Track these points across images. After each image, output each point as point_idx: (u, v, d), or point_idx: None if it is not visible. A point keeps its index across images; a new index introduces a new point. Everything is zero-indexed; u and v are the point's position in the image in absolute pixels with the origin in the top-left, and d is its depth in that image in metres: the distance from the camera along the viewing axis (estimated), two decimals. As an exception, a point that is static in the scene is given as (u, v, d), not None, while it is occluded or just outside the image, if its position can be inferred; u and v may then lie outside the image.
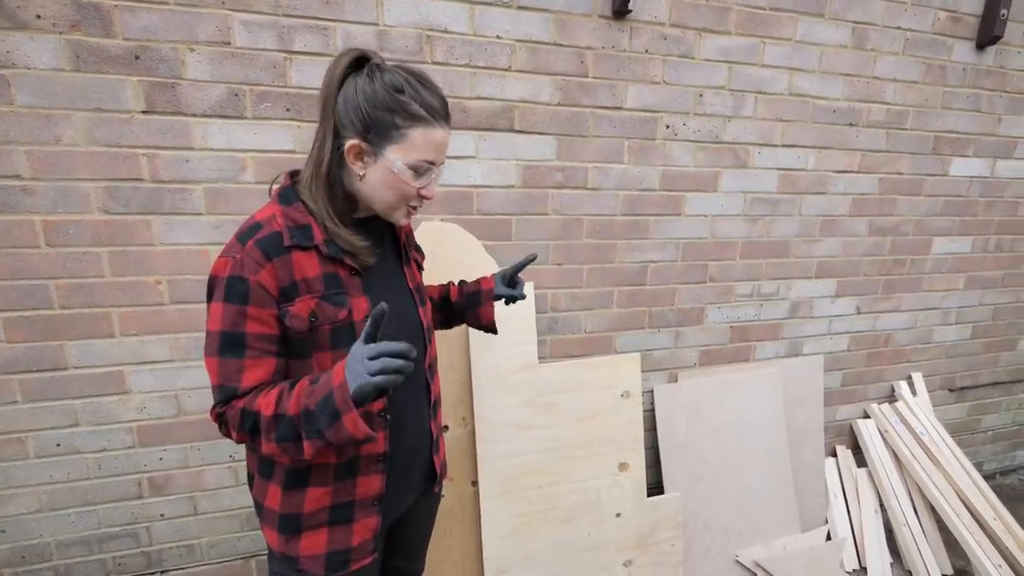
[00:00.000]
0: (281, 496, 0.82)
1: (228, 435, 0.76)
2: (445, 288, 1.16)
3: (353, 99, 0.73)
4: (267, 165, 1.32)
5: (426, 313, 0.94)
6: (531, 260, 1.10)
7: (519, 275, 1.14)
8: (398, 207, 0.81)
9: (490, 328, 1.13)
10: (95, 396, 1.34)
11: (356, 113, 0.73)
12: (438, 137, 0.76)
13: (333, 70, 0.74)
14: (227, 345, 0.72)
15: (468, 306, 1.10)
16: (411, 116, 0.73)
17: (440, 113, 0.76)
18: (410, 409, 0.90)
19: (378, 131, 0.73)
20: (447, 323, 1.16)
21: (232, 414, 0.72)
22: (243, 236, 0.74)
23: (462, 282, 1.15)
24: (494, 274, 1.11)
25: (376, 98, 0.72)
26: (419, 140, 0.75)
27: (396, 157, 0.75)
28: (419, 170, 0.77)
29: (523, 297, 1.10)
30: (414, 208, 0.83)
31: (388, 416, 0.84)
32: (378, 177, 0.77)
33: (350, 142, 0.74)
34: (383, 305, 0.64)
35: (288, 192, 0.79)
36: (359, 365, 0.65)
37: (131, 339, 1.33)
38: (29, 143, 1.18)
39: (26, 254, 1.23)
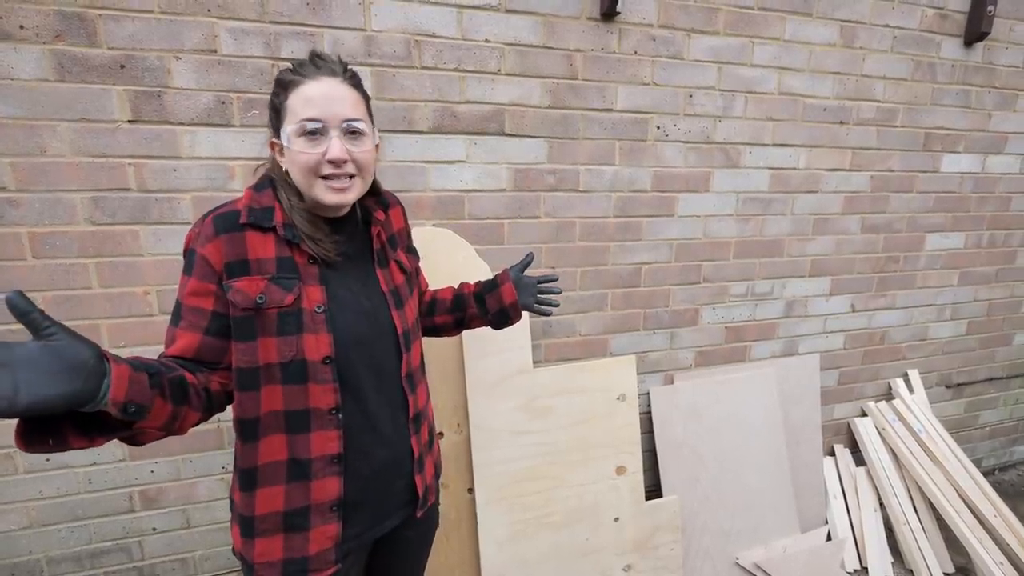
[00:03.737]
0: (239, 494, 0.81)
1: None
2: (458, 288, 1.11)
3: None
4: (255, 173, 1.31)
5: (402, 318, 0.88)
6: (530, 261, 1.10)
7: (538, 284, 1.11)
8: (313, 182, 0.75)
9: (513, 309, 1.06)
10: (84, 409, 1.32)
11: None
12: (310, 90, 0.72)
13: None
14: (174, 313, 0.76)
15: (486, 289, 1.06)
16: (285, 85, 0.74)
17: (311, 69, 0.74)
18: (383, 418, 0.85)
19: (274, 117, 0.77)
20: (461, 324, 1.10)
21: None
22: (208, 212, 0.77)
23: (476, 282, 1.12)
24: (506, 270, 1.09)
25: (271, 93, 0.78)
26: (295, 102, 0.73)
27: (285, 130, 0.75)
28: (308, 132, 0.73)
29: (555, 305, 1.11)
30: (330, 178, 0.75)
31: (340, 416, 0.79)
32: (289, 162, 0.77)
33: (269, 140, 0.80)
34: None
35: (263, 179, 0.81)
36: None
37: (120, 351, 1.31)
38: (14, 154, 1.17)
39: (13, 267, 1.21)
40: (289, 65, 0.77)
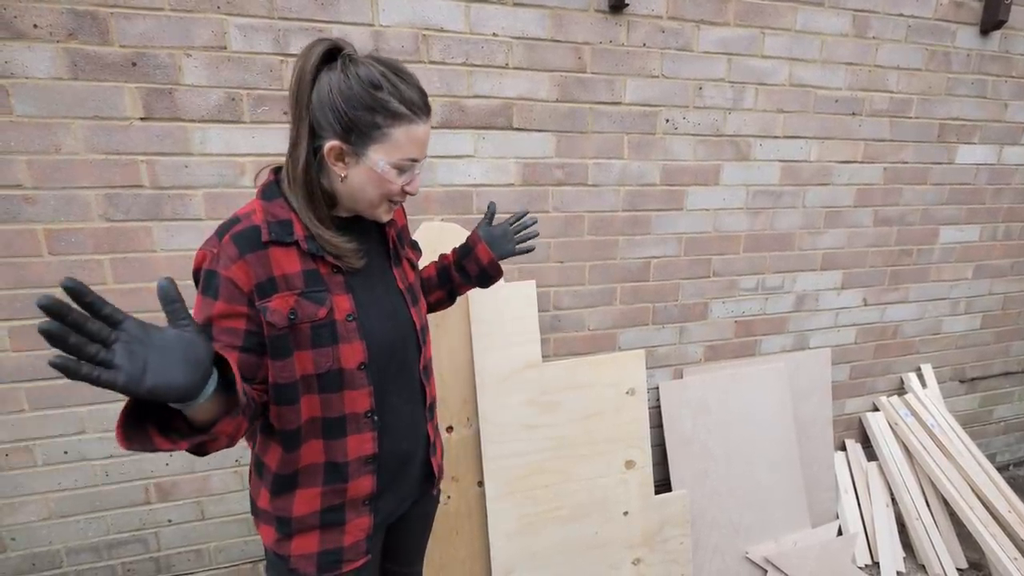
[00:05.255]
0: (270, 499, 0.82)
1: None
2: (439, 261, 1.10)
3: (328, 98, 0.69)
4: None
5: (419, 314, 0.91)
6: (494, 212, 1.07)
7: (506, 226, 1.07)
8: (380, 204, 0.78)
9: (493, 268, 1.04)
10: (101, 403, 1.34)
11: (333, 114, 0.69)
12: (421, 133, 0.74)
13: (303, 65, 0.69)
14: None
15: (463, 255, 1.05)
16: (392, 115, 0.70)
17: (421, 107, 0.73)
18: (404, 411, 0.88)
19: (359, 132, 0.70)
20: (452, 295, 1.10)
21: None
22: (222, 230, 0.72)
23: (454, 249, 1.10)
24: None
25: (354, 97, 0.69)
26: (402, 139, 0.72)
27: (379, 157, 0.72)
28: (403, 168, 0.75)
29: (534, 236, 1.08)
30: (396, 203, 0.81)
31: (376, 418, 0.82)
32: (361, 177, 0.74)
33: (329, 144, 0.71)
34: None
35: (271, 187, 0.76)
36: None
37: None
38: (29, 152, 1.18)
39: (29, 263, 1.23)
40: (379, 78, 0.69)
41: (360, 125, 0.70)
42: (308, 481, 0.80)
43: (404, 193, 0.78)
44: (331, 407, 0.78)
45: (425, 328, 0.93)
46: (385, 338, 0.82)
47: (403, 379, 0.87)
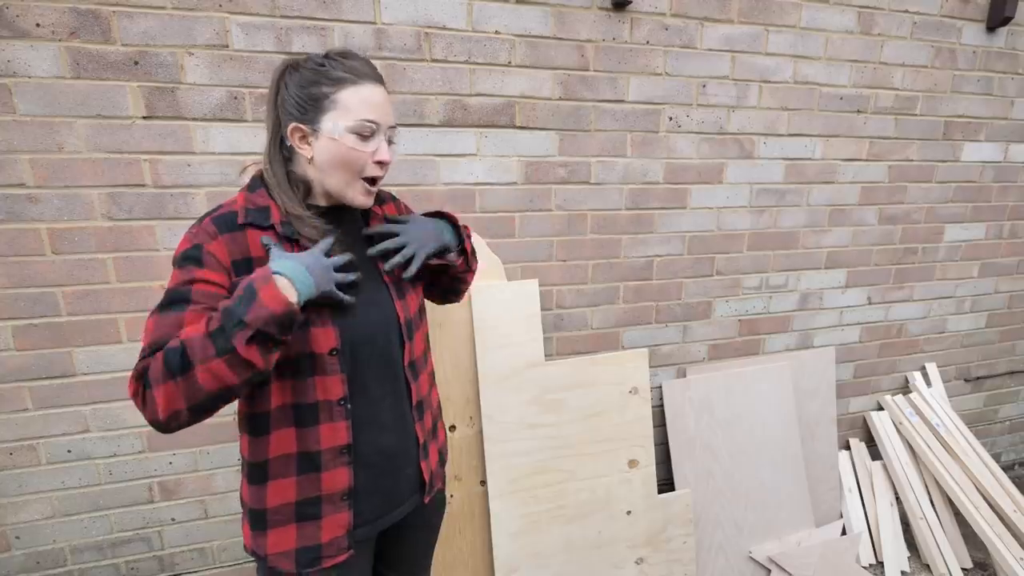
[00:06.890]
0: (248, 490, 0.83)
1: (144, 406, 0.66)
2: None
3: (285, 93, 0.76)
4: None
5: (404, 307, 0.89)
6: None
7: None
8: (354, 181, 0.79)
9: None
10: (104, 402, 1.35)
11: (290, 102, 0.76)
12: (368, 92, 0.76)
13: (271, 81, 0.78)
14: (170, 302, 0.70)
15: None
16: (335, 80, 0.74)
17: (365, 73, 0.76)
18: (385, 405, 0.86)
19: (310, 106, 0.75)
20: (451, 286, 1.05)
21: (155, 366, 0.65)
22: (203, 216, 0.77)
23: None
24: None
25: (302, 79, 0.75)
26: (351, 100, 0.75)
27: (333, 124, 0.75)
28: (362, 132, 0.76)
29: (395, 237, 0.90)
30: (371, 181, 0.80)
31: (349, 406, 0.81)
32: (325, 152, 0.76)
33: (290, 127, 0.76)
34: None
35: (254, 180, 0.81)
36: (325, 271, 0.71)
37: (138, 345, 1.33)
38: (32, 151, 1.18)
39: (33, 262, 1.23)
40: (323, 59, 0.76)
41: (310, 99, 0.75)
42: (281, 471, 0.80)
43: (378, 165, 0.79)
44: (304, 393, 0.78)
45: (412, 323, 0.90)
46: (361, 326, 0.81)
47: (385, 372, 0.86)
